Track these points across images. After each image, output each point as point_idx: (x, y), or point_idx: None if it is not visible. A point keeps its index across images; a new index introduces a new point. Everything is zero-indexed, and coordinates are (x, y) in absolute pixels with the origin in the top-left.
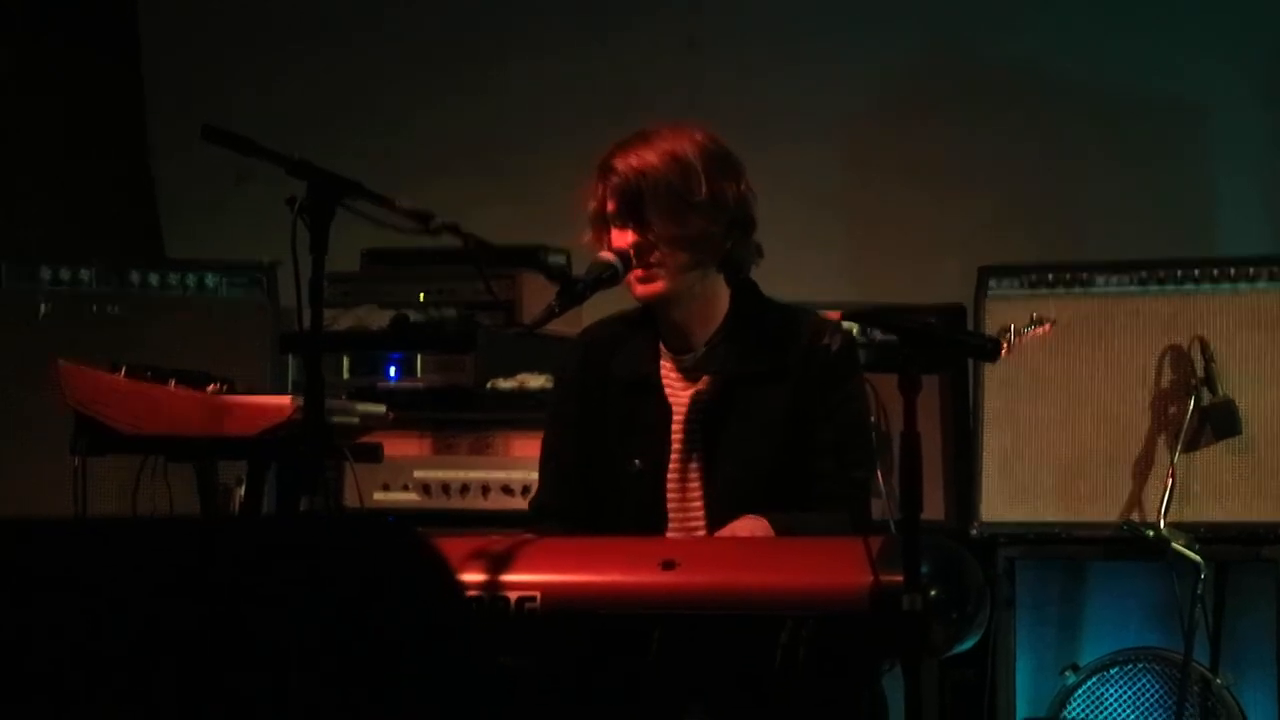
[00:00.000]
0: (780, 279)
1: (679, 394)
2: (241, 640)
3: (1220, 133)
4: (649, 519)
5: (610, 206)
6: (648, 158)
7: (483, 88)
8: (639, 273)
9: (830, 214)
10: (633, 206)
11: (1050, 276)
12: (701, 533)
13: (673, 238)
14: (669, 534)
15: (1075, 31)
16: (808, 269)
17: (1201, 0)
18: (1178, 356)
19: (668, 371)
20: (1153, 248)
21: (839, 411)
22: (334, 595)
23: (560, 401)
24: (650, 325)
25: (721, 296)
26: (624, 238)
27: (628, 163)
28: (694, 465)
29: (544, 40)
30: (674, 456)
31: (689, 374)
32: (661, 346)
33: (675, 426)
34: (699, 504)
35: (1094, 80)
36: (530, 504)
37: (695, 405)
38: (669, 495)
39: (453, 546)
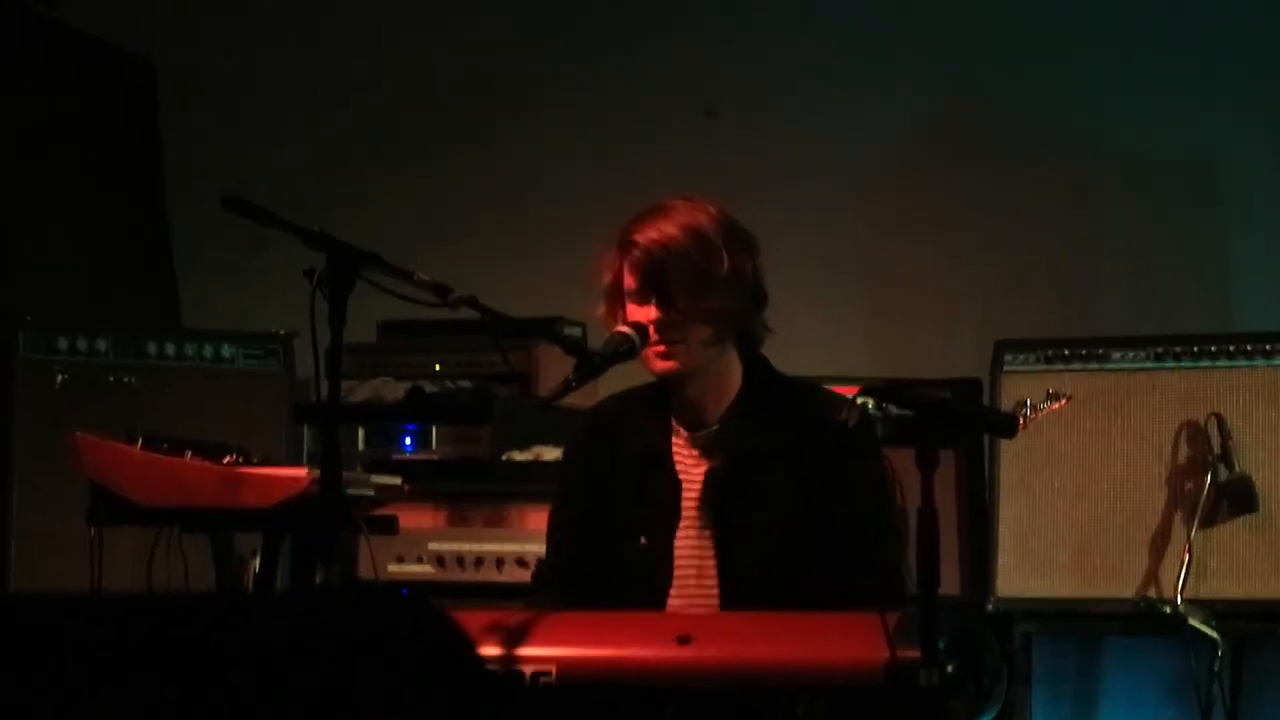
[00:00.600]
0: (795, 346)
1: (690, 471)
2: (256, 715)
3: (1237, 204)
4: (653, 596)
5: (630, 282)
6: (669, 231)
7: (496, 154)
8: (659, 348)
9: (845, 279)
10: (655, 281)
11: (1066, 351)
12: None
13: (695, 313)
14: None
15: (1094, 99)
16: (823, 336)
17: (1225, 69)
18: (1194, 432)
19: (679, 448)
20: (1170, 318)
21: (860, 487)
22: (351, 668)
23: (566, 477)
24: (662, 400)
25: (735, 371)
26: (645, 313)
27: (649, 237)
28: (706, 544)
29: (559, 107)
30: (684, 534)
31: (702, 451)
32: (673, 422)
33: (687, 504)
34: (712, 583)
35: (1112, 146)
36: (533, 575)
37: (709, 483)
38: (677, 572)
39: (468, 619)
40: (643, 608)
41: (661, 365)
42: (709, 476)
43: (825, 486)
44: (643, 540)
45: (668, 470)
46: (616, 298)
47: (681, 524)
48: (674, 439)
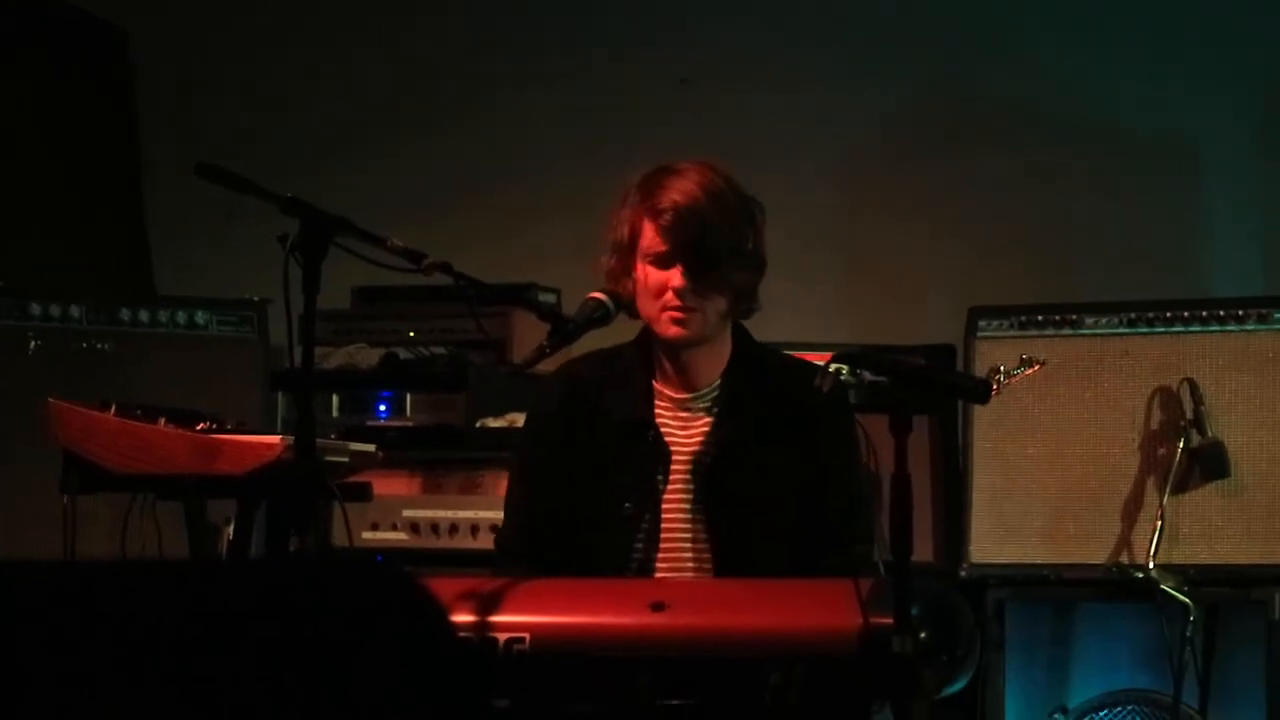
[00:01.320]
0: (772, 316)
1: (678, 436)
2: (230, 682)
3: (1212, 172)
4: (635, 562)
5: (658, 245)
6: (702, 200)
7: (472, 124)
8: (675, 314)
9: (821, 250)
10: (686, 249)
11: (1040, 317)
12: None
13: (722, 283)
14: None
15: (1067, 68)
16: (799, 305)
17: (1194, 40)
18: (1167, 398)
19: (664, 412)
20: (1143, 286)
21: (842, 459)
22: (323, 635)
23: (534, 440)
24: (644, 364)
25: (728, 340)
26: (668, 277)
27: (683, 203)
28: (696, 511)
29: (535, 77)
30: (671, 501)
31: (690, 416)
32: (655, 385)
33: (676, 470)
34: (704, 550)
35: (1086, 119)
36: (496, 542)
37: (701, 452)
38: (664, 539)
39: (441, 587)
40: (626, 574)
41: (674, 331)
42: (704, 444)
43: (812, 457)
44: (628, 506)
45: (654, 436)
46: (631, 255)
47: (669, 490)
48: (657, 403)
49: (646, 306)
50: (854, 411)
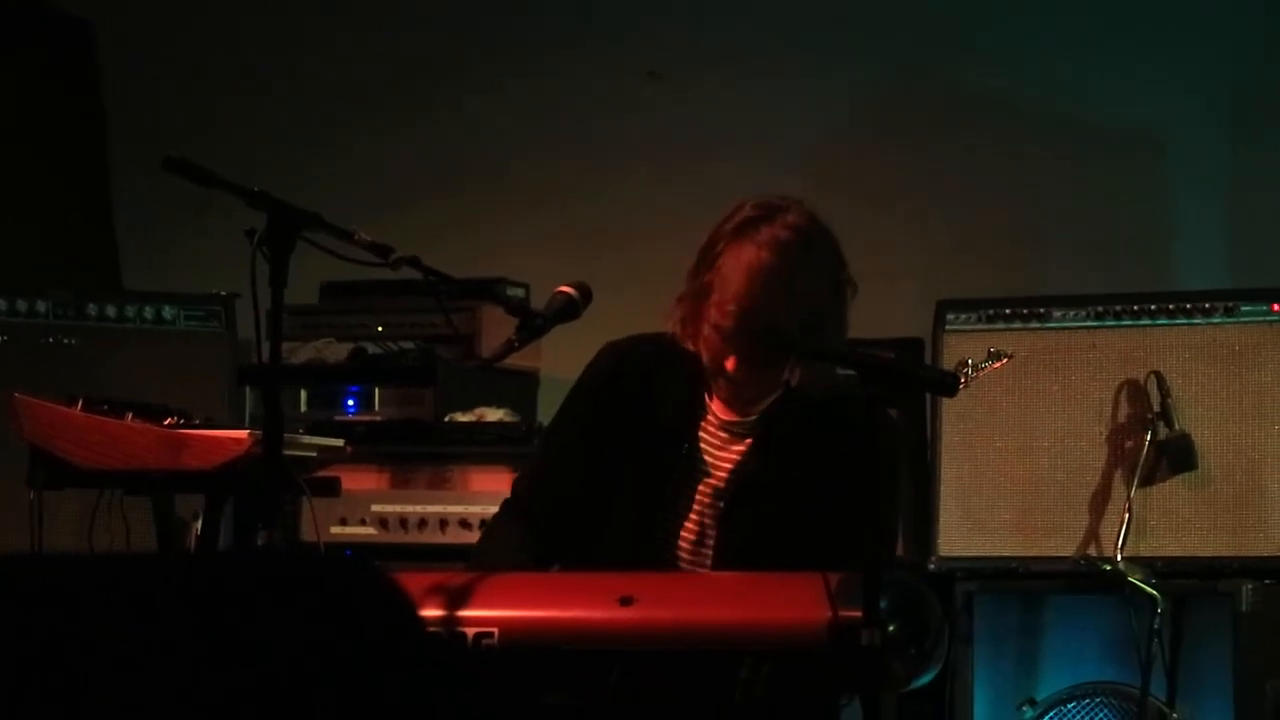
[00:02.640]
0: None
1: (716, 455)
2: (196, 677)
3: (1179, 165)
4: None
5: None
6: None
7: (441, 118)
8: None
9: None
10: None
11: (1007, 310)
12: None
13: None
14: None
15: (1035, 63)
16: None
17: (1162, 33)
18: (1134, 391)
19: (708, 428)
20: (1110, 279)
21: (868, 494)
22: (291, 631)
23: (576, 405)
24: (696, 366)
25: (785, 369)
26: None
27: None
28: (712, 529)
29: (503, 71)
30: (694, 516)
31: (731, 438)
32: (706, 398)
33: (703, 491)
34: (707, 557)
35: (1054, 111)
36: (512, 487)
37: (736, 478)
38: (680, 553)
39: (410, 581)
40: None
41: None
42: (738, 470)
43: (844, 493)
44: (643, 513)
45: (689, 450)
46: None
47: (694, 508)
48: (705, 417)
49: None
50: (899, 439)
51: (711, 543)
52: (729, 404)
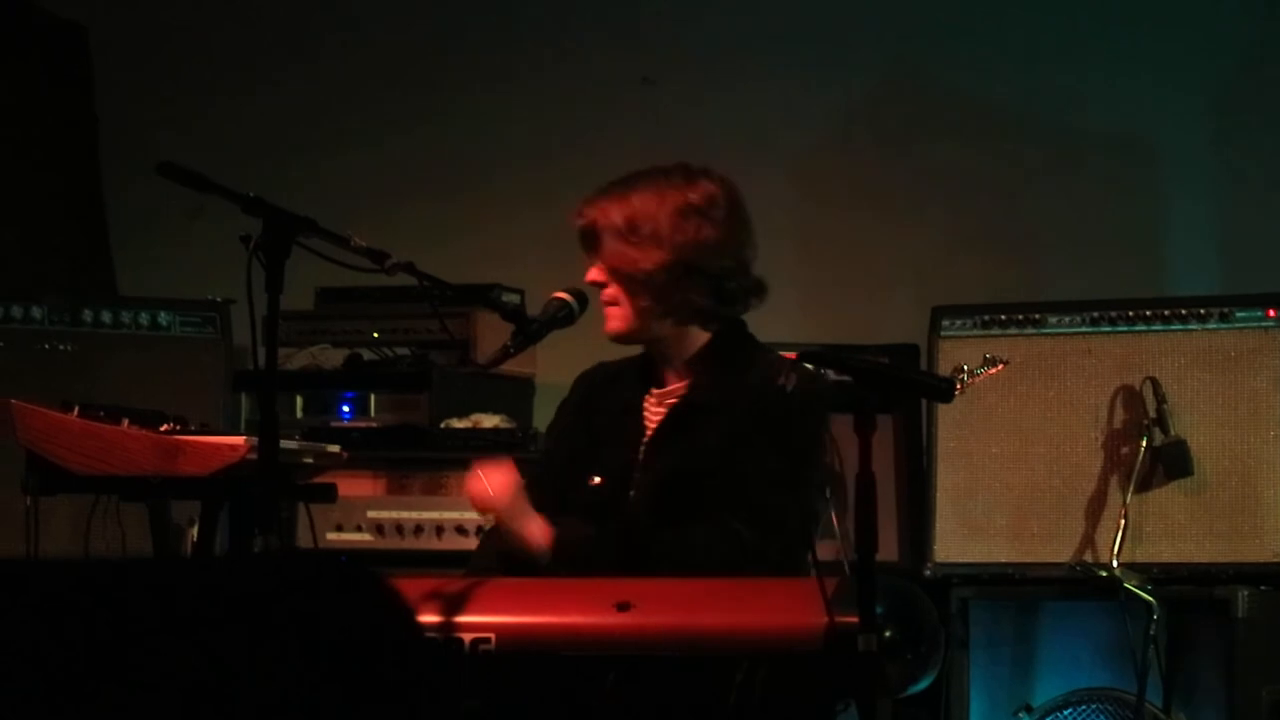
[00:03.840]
0: None
1: (653, 420)
2: (195, 682)
3: (1173, 171)
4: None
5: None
6: (611, 189)
7: (436, 124)
8: (605, 310)
9: (784, 249)
10: (581, 236)
11: (1003, 316)
12: None
13: (625, 275)
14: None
15: (1028, 67)
16: (761, 303)
17: (1155, 37)
18: (1130, 396)
19: (650, 403)
20: (1104, 285)
21: (783, 446)
22: (290, 636)
23: (557, 424)
24: (646, 365)
25: (697, 340)
26: (590, 273)
27: (596, 194)
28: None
29: (498, 77)
30: (636, 476)
31: (660, 405)
32: (657, 376)
33: (642, 448)
34: None
35: (1047, 115)
36: None
37: (656, 430)
38: (627, 496)
39: (407, 587)
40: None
41: (606, 327)
42: (657, 426)
43: (751, 439)
44: (596, 480)
45: (635, 419)
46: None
47: (636, 467)
48: (647, 396)
49: None
50: (824, 412)
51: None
52: (658, 378)
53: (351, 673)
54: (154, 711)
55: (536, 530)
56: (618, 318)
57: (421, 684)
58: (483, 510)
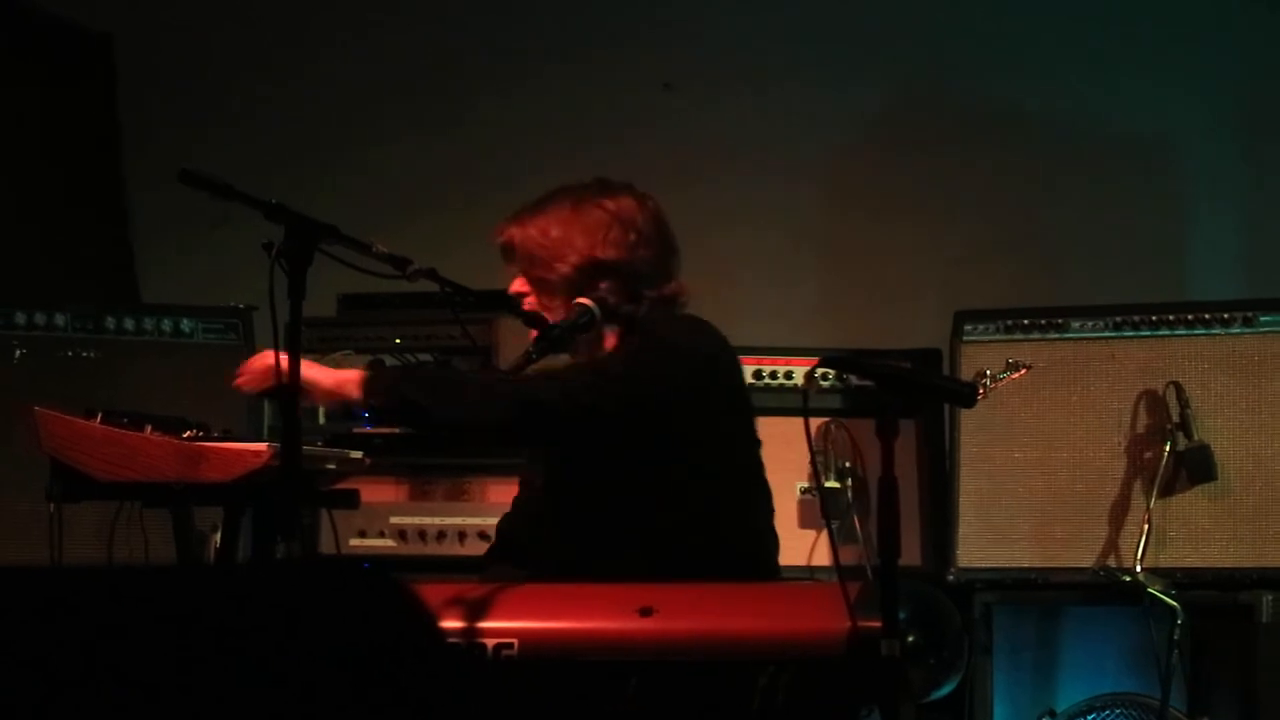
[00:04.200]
0: (757, 318)
1: None
2: (221, 687)
3: (1195, 175)
4: None
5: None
6: (530, 213)
7: (458, 130)
8: None
9: (806, 254)
10: (508, 256)
11: (1026, 321)
12: None
13: (533, 282)
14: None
15: (1051, 73)
16: (784, 309)
17: (1177, 44)
18: (1153, 401)
19: None
20: (1127, 289)
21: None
22: (313, 642)
23: None
24: None
25: (609, 341)
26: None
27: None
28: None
29: (519, 83)
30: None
31: None
32: None
33: None
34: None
35: (1070, 121)
36: None
37: None
38: None
39: (430, 593)
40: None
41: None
42: None
43: None
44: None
45: None
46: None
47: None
48: None
49: None
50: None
51: None
52: None
53: (374, 678)
54: (177, 714)
55: (344, 374)
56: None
57: (443, 689)
58: (264, 378)
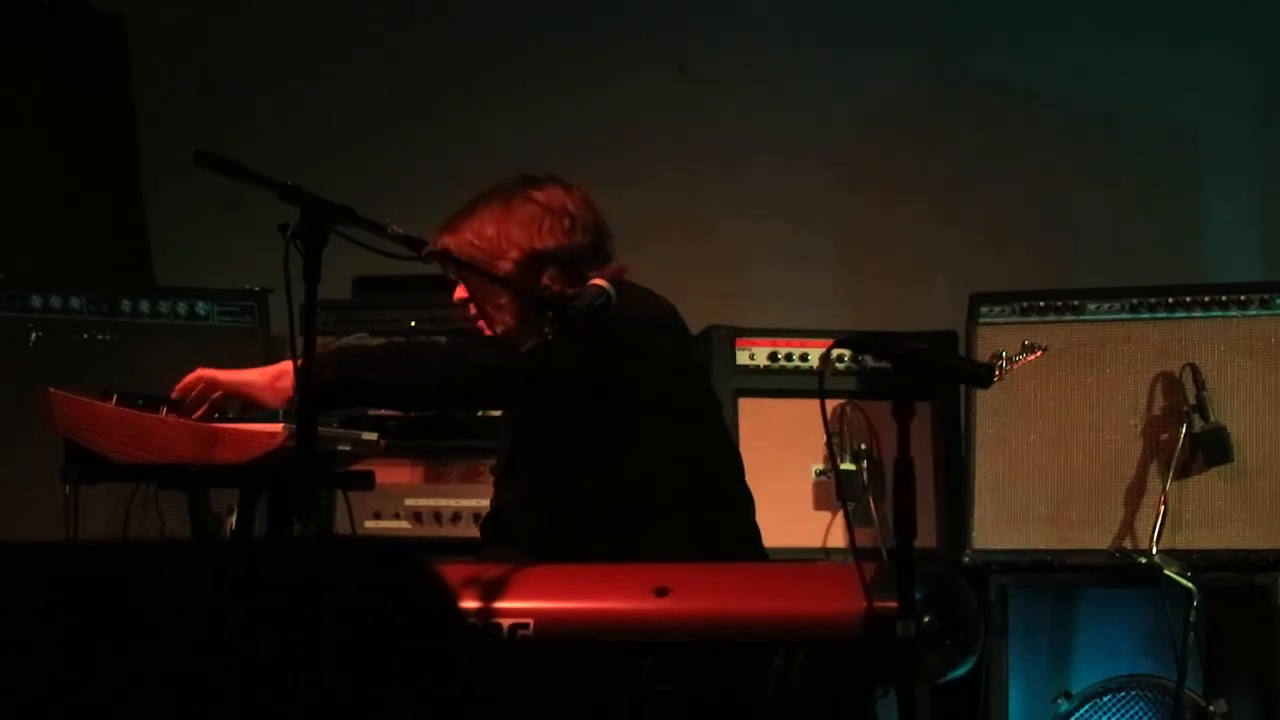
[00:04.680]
0: (772, 301)
1: None
2: (245, 663)
3: (1211, 157)
4: None
5: None
6: (461, 218)
7: (471, 112)
8: None
9: (821, 236)
10: (447, 266)
11: (1042, 303)
12: None
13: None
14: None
15: (1066, 55)
16: (799, 292)
17: (1193, 25)
18: (1169, 383)
19: None
20: (1143, 272)
21: None
22: (338, 619)
23: None
24: None
25: None
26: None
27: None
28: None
29: (533, 65)
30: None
31: None
32: None
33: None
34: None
35: (1085, 104)
36: None
37: None
38: None
39: (445, 573)
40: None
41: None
42: None
43: None
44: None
45: None
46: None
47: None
48: None
49: None
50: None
51: None
52: None
53: (393, 655)
54: (201, 687)
55: (277, 367)
56: (488, 327)
57: (462, 667)
58: (211, 384)
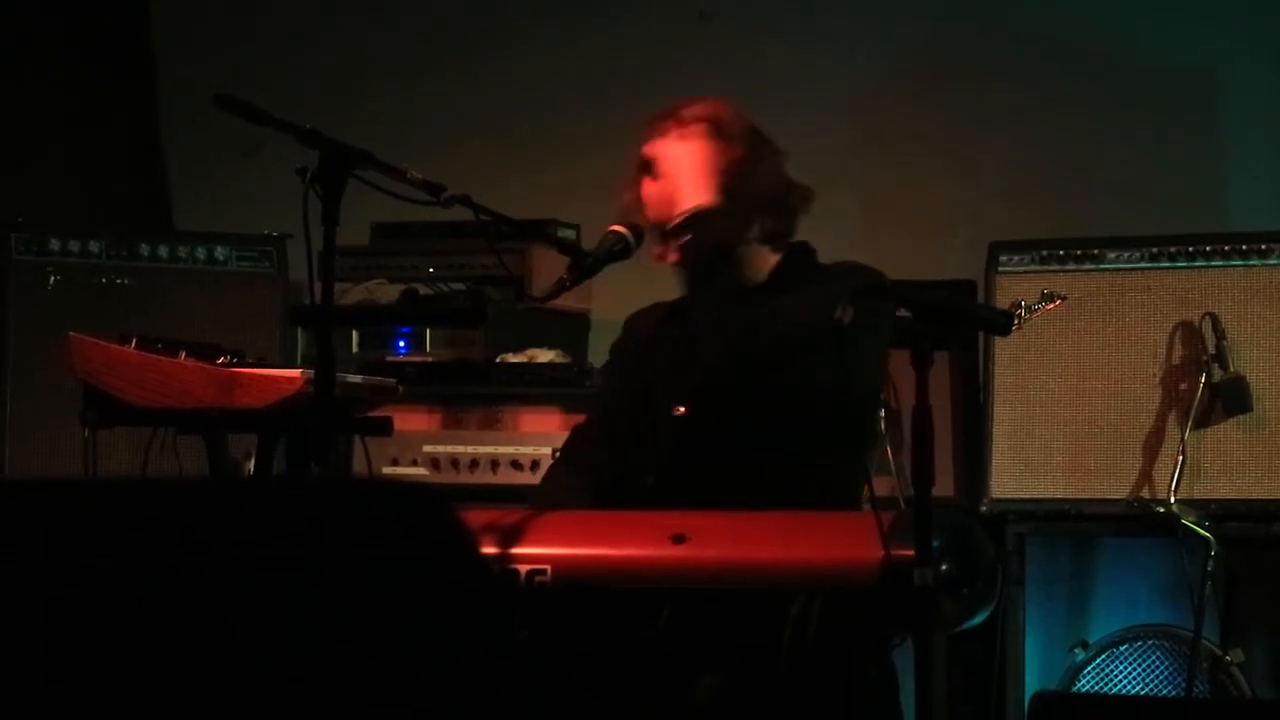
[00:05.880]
0: None
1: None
2: (266, 604)
3: (1233, 104)
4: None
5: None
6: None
7: (493, 61)
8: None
9: (840, 186)
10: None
11: (1061, 252)
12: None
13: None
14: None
15: (1088, 3)
16: (818, 241)
17: None
18: (1189, 332)
19: None
20: (1164, 220)
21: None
22: (361, 561)
23: (609, 366)
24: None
25: (767, 262)
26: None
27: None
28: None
29: (553, 13)
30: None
31: None
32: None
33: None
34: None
35: (1105, 51)
36: (570, 434)
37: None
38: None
39: (466, 518)
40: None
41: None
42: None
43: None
44: (681, 410)
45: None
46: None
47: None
48: None
49: None
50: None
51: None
52: None
53: (419, 599)
54: (218, 628)
55: None
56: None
57: (481, 610)
58: None
